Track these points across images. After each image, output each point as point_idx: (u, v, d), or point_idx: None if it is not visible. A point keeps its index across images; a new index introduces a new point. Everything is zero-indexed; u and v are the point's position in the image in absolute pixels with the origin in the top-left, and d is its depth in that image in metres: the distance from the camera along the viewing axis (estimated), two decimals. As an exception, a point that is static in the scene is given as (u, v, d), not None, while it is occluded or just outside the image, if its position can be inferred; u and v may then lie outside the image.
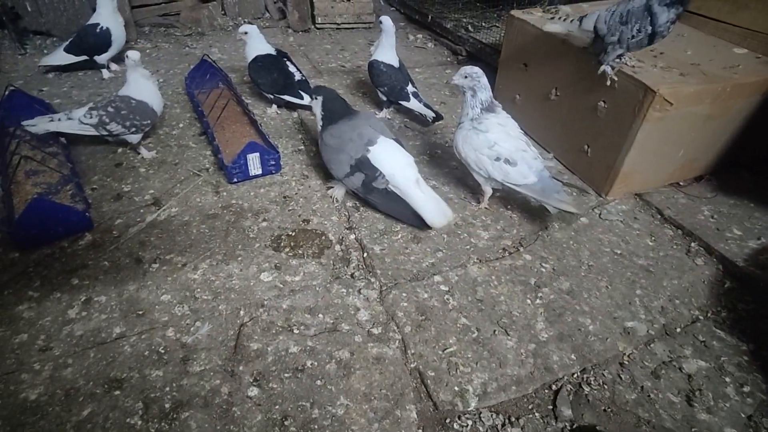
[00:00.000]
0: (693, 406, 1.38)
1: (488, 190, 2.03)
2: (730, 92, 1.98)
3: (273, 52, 2.67)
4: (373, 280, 1.74)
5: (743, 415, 1.37)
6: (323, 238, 1.91)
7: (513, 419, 1.34)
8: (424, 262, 1.81)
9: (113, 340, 1.47)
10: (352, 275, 1.76)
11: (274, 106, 2.75)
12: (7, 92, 2.28)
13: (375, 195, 1.96)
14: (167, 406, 1.30)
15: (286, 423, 1.28)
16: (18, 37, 3.24)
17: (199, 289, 1.65)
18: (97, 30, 2.83)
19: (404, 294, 1.68)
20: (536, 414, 1.36)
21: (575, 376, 1.46)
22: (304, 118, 2.71)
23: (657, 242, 1.98)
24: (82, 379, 1.35)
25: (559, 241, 1.96)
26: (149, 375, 1.37)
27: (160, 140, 2.44)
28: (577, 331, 1.59)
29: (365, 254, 1.84)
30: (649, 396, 1.41)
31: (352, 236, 1.93)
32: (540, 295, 1.71)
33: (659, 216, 2.12)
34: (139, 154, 2.29)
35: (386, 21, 2.54)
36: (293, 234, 1.91)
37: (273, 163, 2.19)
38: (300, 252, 1.83)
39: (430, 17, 4.00)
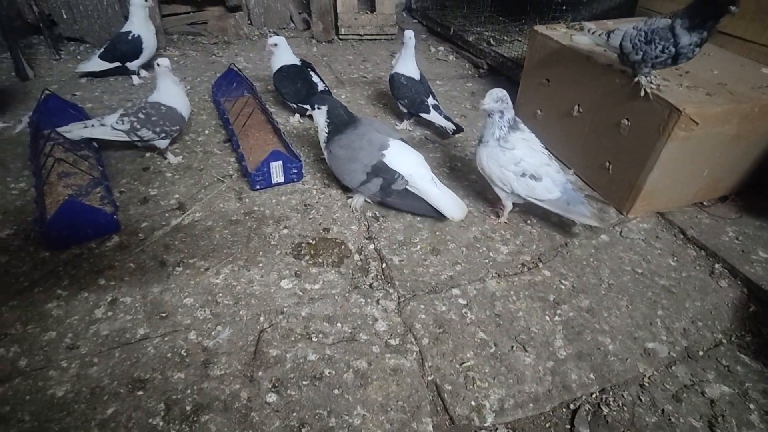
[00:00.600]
0: (715, 433, 1.36)
1: (509, 205, 2.03)
2: (758, 113, 1.96)
3: (298, 62, 2.72)
4: (391, 290, 1.75)
5: (768, 444, 1.34)
6: (343, 247, 1.93)
7: (530, 437, 1.33)
8: (442, 275, 1.82)
9: (137, 340, 1.51)
10: (370, 285, 1.77)
11: (297, 115, 2.81)
12: (43, 96, 2.37)
13: (394, 197, 2.01)
14: (188, 408, 1.33)
15: (303, 430, 1.30)
16: (53, 43, 3.36)
17: (220, 294, 1.69)
18: (129, 37, 2.92)
19: (422, 306, 1.69)
20: (554, 433, 1.35)
21: (594, 396, 1.44)
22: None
23: (679, 262, 1.95)
24: (107, 378, 1.39)
25: (579, 257, 1.94)
26: (171, 377, 1.40)
27: (186, 146, 2.51)
28: (596, 350, 1.58)
29: (384, 265, 1.86)
30: (669, 420, 1.38)
31: (371, 246, 1.94)
32: (559, 312, 1.70)
33: (682, 236, 2.09)
34: (165, 158, 2.35)
35: (408, 34, 2.58)
36: (313, 242, 1.94)
37: (295, 171, 2.23)
38: (320, 260, 1.86)
39: (452, 30, 4.03)
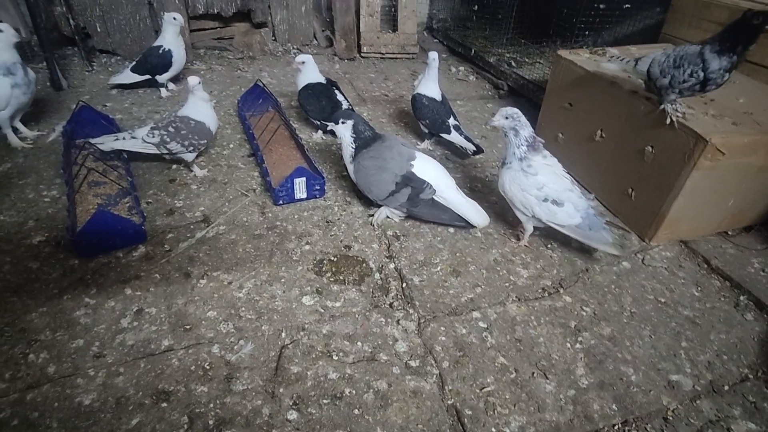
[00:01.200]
0: (743, 472, 1.33)
1: (529, 228, 2.03)
2: (785, 144, 1.94)
3: (323, 80, 2.77)
4: (411, 311, 1.75)
5: (798, 487, 1.30)
6: (364, 265, 1.94)
7: (551, 468, 1.31)
8: (462, 297, 1.82)
9: (162, 352, 1.53)
10: (390, 305, 1.78)
11: (320, 132, 2.85)
12: (77, 107, 2.45)
13: (421, 206, 2.07)
14: (211, 422, 1.34)
15: (323, 450, 1.30)
16: (86, 55, 3.48)
17: (243, 308, 1.71)
18: (160, 51, 3.02)
19: (442, 328, 1.69)
20: (575, 464, 1.33)
21: (616, 427, 1.42)
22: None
23: (703, 293, 1.93)
24: (132, 389, 1.41)
25: (601, 284, 1.93)
26: (195, 390, 1.42)
27: (212, 159, 2.56)
28: (618, 380, 1.56)
29: (404, 284, 1.86)
30: (695, 456, 1.36)
31: (392, 265, 1.95)
32: (580, 339, 1.69)
33: (706, 265, 2.07)
34: (191, 171, 2.41)
35: (432, 55, 2.62)
36: (335, 259, 1.96)
37: (318, 188, 2.27)
38: (341, 278, 1.87)
39: (473, 51, 4.08)
